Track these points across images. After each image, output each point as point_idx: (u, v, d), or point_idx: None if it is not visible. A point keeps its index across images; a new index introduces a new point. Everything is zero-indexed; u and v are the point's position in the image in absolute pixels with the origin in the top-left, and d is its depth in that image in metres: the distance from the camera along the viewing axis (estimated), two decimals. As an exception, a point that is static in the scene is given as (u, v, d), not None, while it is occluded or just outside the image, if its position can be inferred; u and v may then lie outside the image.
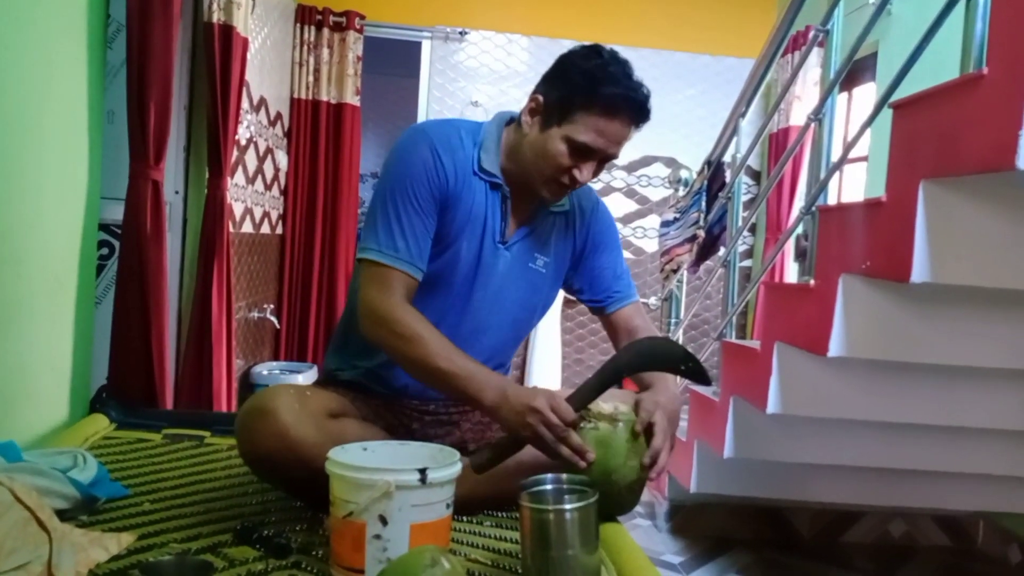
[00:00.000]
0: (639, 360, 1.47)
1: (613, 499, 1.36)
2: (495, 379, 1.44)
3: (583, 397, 1.43)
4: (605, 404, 1.45)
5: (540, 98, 1.53)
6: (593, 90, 1.46)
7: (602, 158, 1.53)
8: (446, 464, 1.26)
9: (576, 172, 1.51)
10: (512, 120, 1.64)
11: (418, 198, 1.51)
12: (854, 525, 2.96)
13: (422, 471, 1.21)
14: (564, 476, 1.33)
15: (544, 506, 1.21)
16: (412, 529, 1.21)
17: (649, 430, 1.42)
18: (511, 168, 1.60)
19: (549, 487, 1.30)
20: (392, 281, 1.49)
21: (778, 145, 4.55)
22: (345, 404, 1.59)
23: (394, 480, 1.19)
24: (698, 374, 1.43)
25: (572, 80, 1.48)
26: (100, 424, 2.03)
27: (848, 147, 1.99)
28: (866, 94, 4.05)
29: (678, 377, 1.52)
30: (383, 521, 1.20)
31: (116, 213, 2.27)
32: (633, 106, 1.48)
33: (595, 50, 1.52)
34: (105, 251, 2.43)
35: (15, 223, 1.76)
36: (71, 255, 2.04)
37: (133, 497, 1.55)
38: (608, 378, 1.44)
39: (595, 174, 1.55)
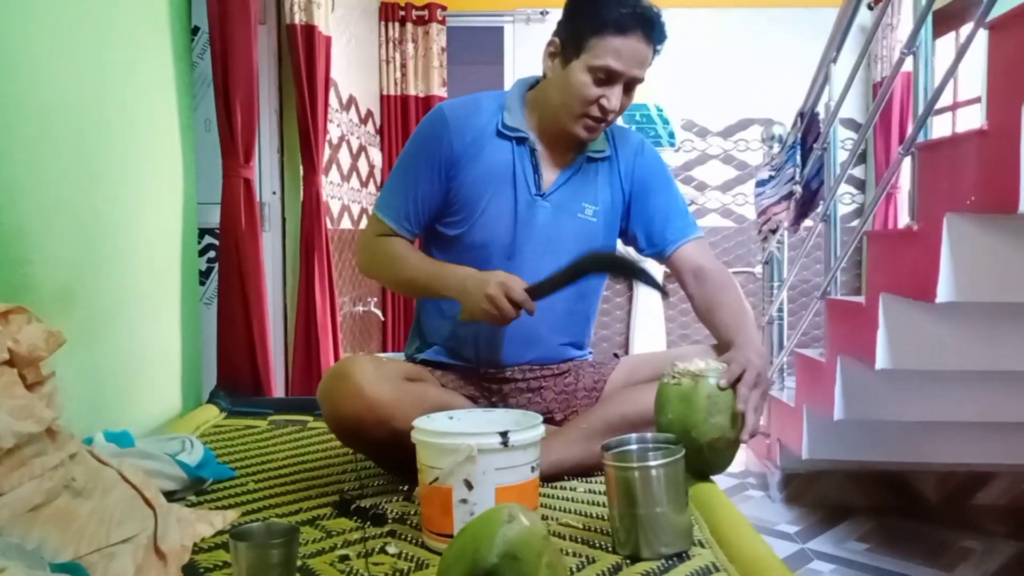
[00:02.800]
0: (601, 264, 1.60)
1: (696, 456, 1.33)
2: (458, 273, 1.54)
3: (543, 288, 1.52)
4: (692, 361, 1.42)
5: (556, 40, 1.58)
6: (602, 13, 1.49)
7: (627, 82, 1.54)
8: (528, 427, 1.25)
9: (604, 101, 1.53)
10: (537, 82, 1.68)
11: (417, 166, 1.62)
12: (986, 486, 2.78)
13: (503, 434, 1.21)
14: (649, 435, 1.31)
15: (629, 464, 1.19)
16: (497, 492, 1.21)
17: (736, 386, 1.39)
18: (540, 120, 1.64)
19: (634, 446, 1.28)
20: (382, 229, 1.65)
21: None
22: (423, 373, 1.62)
23: (476, 444, 1.20)
24: (654, 284, 1.56)
25: (581, 12, 1.53)
26: (210, 413, 2.13)
27: (948, 74, 1.85)
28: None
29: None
30: (468, 485, 1.21)
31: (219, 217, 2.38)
32: (643, 21, 1.50)
33: None
34: (212, 254, 2.54)
35: (117, 226, 1.86)
36: (173, 256, 2.15)
37: (239, 478, 1.62)
38: (571, 274, 1.53)
39: (625, 103, 1.57)
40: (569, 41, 1.54)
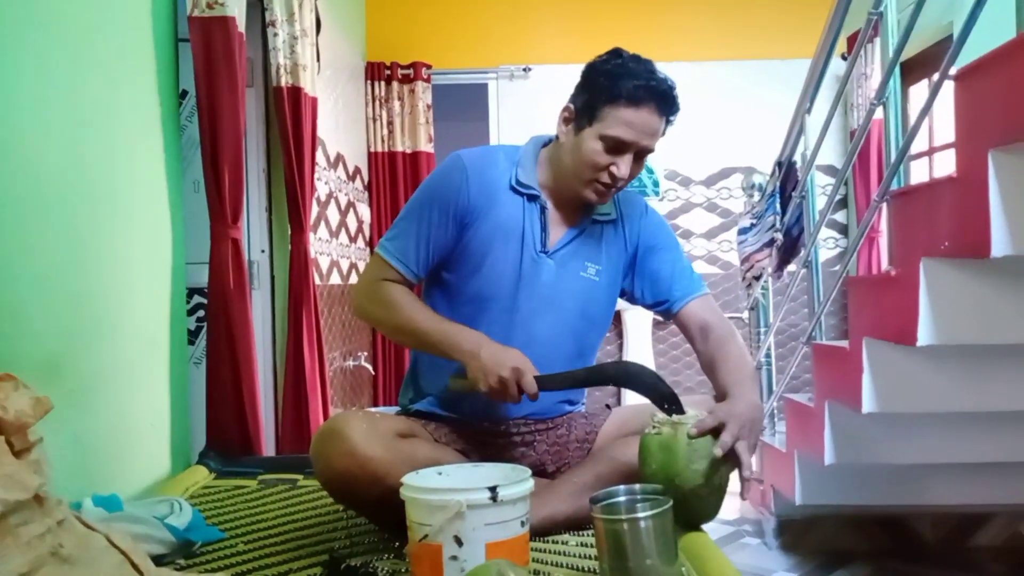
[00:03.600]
0: (625, 378, 1.57)
1: (682, 505, 1.33)
2: (471, 335, 1.54)
3: (554, 382, 1.54)
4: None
5: (571, 106, 1.62)
6: (616, 85, 1.53)
7: (638, 151, 1.57)
8: (517, 481, 1.26)
9: (614, 168, 1.56)
10: (550, 141, 1.72)
11: (431, 211, 1.62)
12: (983, 527, 2.78)
13: (492, 489, 1.21)
14: (637, 487, 1.31)
15: (617, 516, 1.20)
16: (488, 548, 1.21)
17: (716, 434, 1.41)
18: (551, 180, 1.67)
19: (622, 498, 1.29)
20: (385, 271, 1.64)
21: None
22: (416, 428, 1.62)
23: (465, 500, 1.20)
24: (676, 410, 1.48)
25: (596, 82, 1.57)
26: (200, 475, 2.11)
27: (916, 124, 1.91)
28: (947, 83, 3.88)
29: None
30: (458, 542, 1.21)
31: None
32: (656, 94, 1.54)
33: (615, 52, 1.60)
34: (202, 313, 2.55)
35: (108, 290, 1.88)
36: (162, 318, 2.16)
37: (228, 540, 1.60)
38: (587, 378, 1.59)
39: (635, 171, 1.60)
40: (583, 109, 1.58)
